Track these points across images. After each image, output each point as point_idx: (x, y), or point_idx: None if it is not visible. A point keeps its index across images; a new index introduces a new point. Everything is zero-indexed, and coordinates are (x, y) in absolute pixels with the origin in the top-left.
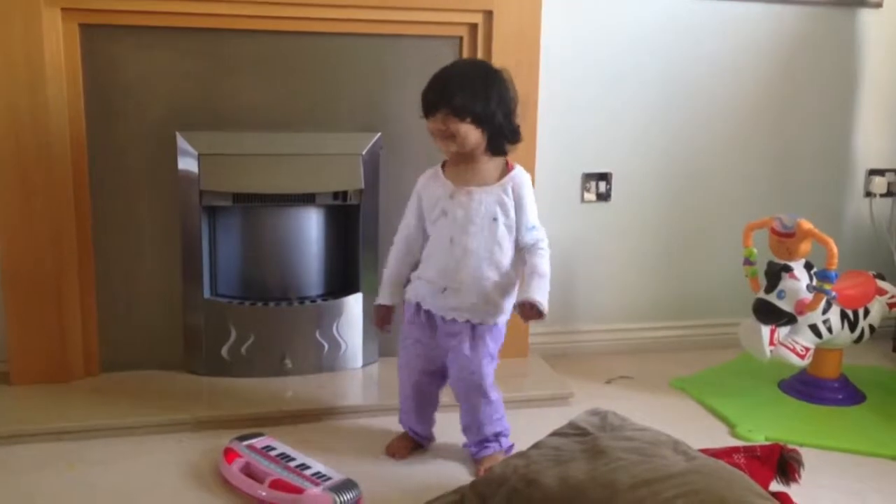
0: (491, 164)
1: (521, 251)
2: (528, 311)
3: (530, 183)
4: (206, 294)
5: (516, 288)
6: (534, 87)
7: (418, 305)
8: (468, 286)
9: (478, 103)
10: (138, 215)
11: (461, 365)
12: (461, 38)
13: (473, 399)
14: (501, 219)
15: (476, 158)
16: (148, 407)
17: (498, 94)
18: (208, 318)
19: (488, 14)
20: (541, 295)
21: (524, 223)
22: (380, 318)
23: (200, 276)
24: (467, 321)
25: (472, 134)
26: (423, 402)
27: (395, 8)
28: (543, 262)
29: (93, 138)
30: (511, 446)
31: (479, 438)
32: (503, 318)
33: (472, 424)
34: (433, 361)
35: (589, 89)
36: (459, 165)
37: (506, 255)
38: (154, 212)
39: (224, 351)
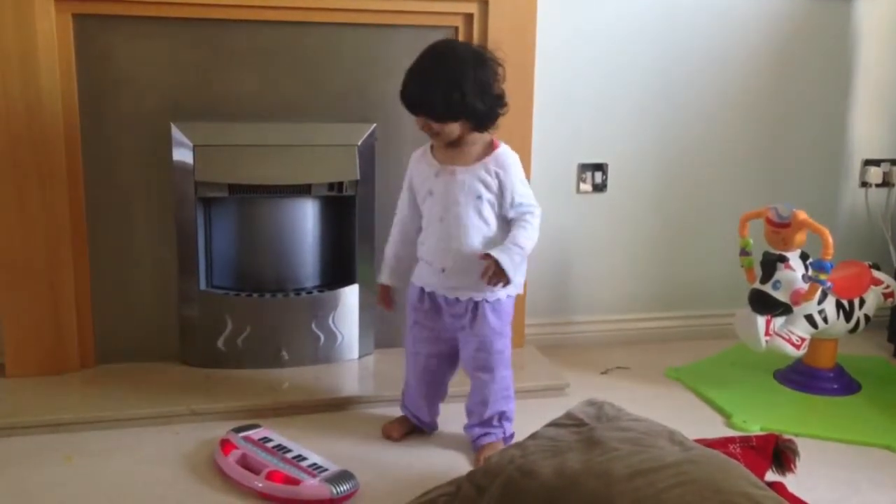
0: (477, 144)
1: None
2: (488, 266)
3: (515, 161)
4: (202, 286)
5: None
6: (529, 78)
7: (422, 289)
8: (461, 264)
9: (453, 103)
10: (133, 206)
11: (468, 343)
12: (457, 28)
13: (482, 376)
14: (486, 196)
15: (463, 140)
16: (144, 399)
17: (471, 81)
18: (204, 309)
19: (484, 4)
20: (505, 256)
21: (508, 201)
22: (380, 297)
23: (196, 268)
24: (469, 299)
25: (454, 128)
26: (431, 387)
27: None
28: (522, 232)
29: (86, 129)
30: (513, 435)
31: (483, 419)
32: (504, 293)
33: (478, 402)
34: (440, 343)
35: (584, 80)
36: (447, 146)
37: (493, 232)
38: (149, 203)
39: (220, 342)
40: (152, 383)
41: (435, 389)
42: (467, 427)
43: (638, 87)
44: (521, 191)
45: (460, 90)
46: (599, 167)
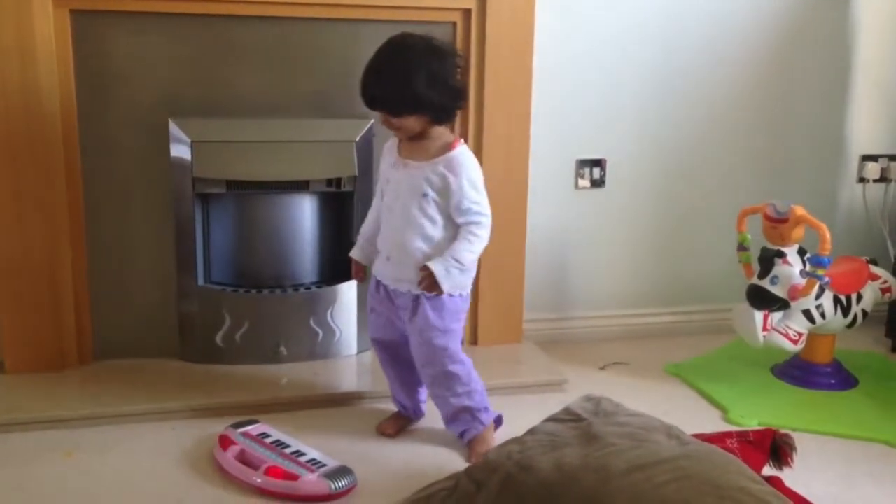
0: (437, 141)
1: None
2: (423, 276)
3: (468, 164)
4: (200, 281)
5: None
6: (528, 72)
7: (377, 278)
8: (401, 256)
9: (405, 96)
10: (131, 202)
11: (412, 336)
12: (455, 24)
13: (427, 371)
14: (430, 194)
15: (425, 134)
16: (142, 395)
17: (430, 75)
18: (202, 305)
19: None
20: (439, 266)
21: (455, 204)
22: (353, 271)
23: (194, 264)
24: (408, 291)
25: (412, 122)
26: (400, 372)
27: None
28: (464, 245)
29: (84, 125)
30: (499, 418)
31: (447, 414)
32: (452, 292)
33: (435, 396)
34: (395, 331)
35: (583, 75)
36: (410, 140)
37: (438, 230)
38: (147, 199)
39: (218, 338)
40: (151, 379)
41: (405, 375)
42: (444, 423)
43: (636, 82)
44: (471, 196)
45: (412, 84)
46: (598, 163)
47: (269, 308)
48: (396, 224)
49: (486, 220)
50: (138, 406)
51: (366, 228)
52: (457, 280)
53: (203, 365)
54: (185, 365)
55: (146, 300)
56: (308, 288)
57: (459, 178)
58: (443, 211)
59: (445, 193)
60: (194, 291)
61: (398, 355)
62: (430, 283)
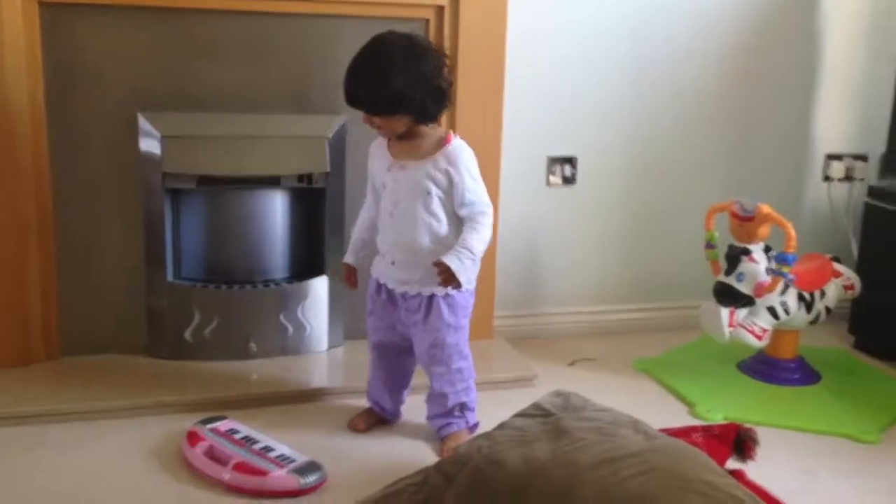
0: (430, 138)
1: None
2: (440, 272)
3: (466, 156)
4: (170, 277)
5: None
6: (500, 71)
7: (378, 281)
8: (410, 257)
9: (385, 96)
10: (100, 197)
11: (421, 337)
12: (428, 21)
13: (437, 370)
14: (435, 192)
15: (415, 132)
16: (110, 391)
17: (410, 74)
18: (172, 301)
19: None
20: (454, 259)
21: (458, 197)
22: (344, 276)
23: (163, 259)
24: (419, 293)
25: (396, 122)
26: (391, 375)
27: None
28: (474, 234)
29: (52, 118)
30: (476, 424)
31: (443, 410)
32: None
33: (437, 394)
34: (395, 334)
35: (554, 73)
36: (399, 140)
37: (443, 227)
38: (116, 194)
39: (187, 334)
40: (119, 375)
41: (396, 378)
42: (429, 418)
43: (608, 80)
44: (472, 187)
45: (391, 83)
46: (569, 160)
47: (239, 304)
48: (401, 227)
49: (489, 210)
50: (106, 402)
51: (360, 232)
52: (470, 272)
53: (172, 361)
54: (153, 361)
55: (114, 295)
56: (278, 284)
57: (460, 171)
58: (447, 207)
59: (450, 189)
60: (163, 287)
61: (394, 359)
62: (447, 276)
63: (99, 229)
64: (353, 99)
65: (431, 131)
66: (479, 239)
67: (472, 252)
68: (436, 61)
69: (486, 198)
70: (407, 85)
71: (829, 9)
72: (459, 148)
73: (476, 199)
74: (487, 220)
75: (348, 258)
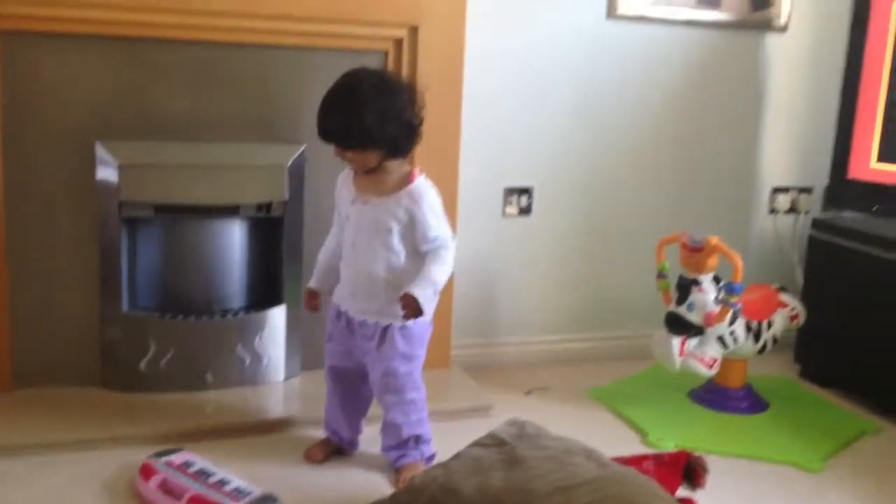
0: (394, 174)
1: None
2: (405, 303)
3: (429, 195)
4: (125, 307)
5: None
6: (457, 102)
7: (339, 308)
8: (368, 289)
9: (359, 130)
10: (56, 226)
11: (374, 366)
12: (386, 53)
13: (389, 399)
14: (396, 229)
15: (381, 167)
16: (63, 423)
17: (382, 110)
18: (127, 331)
19: (413, 30)
20: (420, 291)
21: (420, 235)
22: (305, 300)
23: (119, 289)
24: (376, 322)
25: (367, 157)
26: (348, 401)
27: (321, 21)
28: (435, 266)
29: (8, 146)
30: (433, 455)
31: (397, 442)
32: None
33: (389, 424)
34: (352, 360)
35: (510, 105)
36: (368, 173)
37: (402, 261)
38: (72, 222)
39: (143, 365)
40: (71, 408)
41: (352, 405)
42: (384, 449)
43: (561, 113)
44: (434, 224)
45: (365, 119)
46: (525, 191)
47: (195, 334)
48: (361, 259)
49: (451, 245)
50: (58, 435)
51: (327, 257)
52: (431, 304)
53: (126, 393)
54: (107, 393)
55: (69, 326)
56: (236, 313)
57: (422, 210)
58: (407, 243)
59: (411, 226)
60: (119, 317)
61: (350, 385)
62: (412, 309)
63: (53, 259)
64: (327, 133)
65: (397, 167)
66: (441, 271)
67: (435, 283)
68: (407, 97)
69: (449, 233)
70: (379, 120)
71: (771, 47)
72: (422, 187)
73: (439, 234)
74: (449, 256)
75: (312, 283)
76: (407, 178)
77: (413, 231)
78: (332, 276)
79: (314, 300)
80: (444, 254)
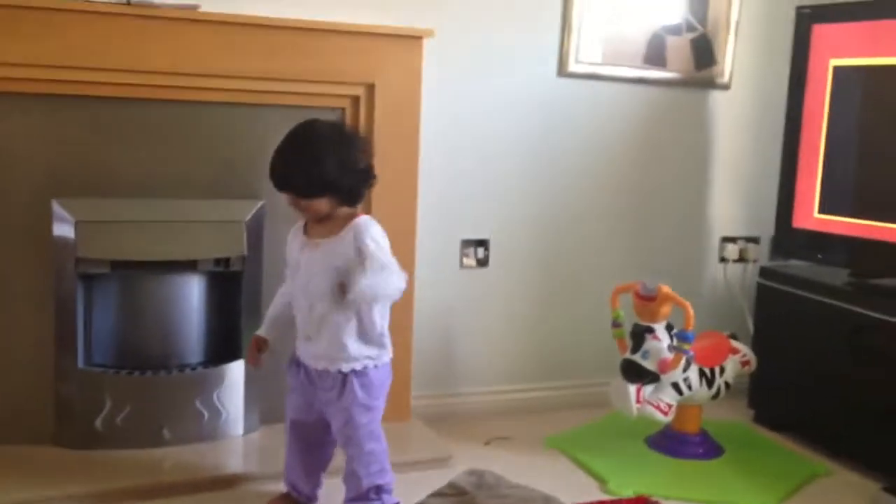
0: (343, 218)
1: None
2: (340, 284)
3: (374, 229)
4: (81, 363)
5: (377, 333)
6: (414, 157)
7: (298, 359)
8: (322, 334)
9: (314, 180)
10: (10, 282)
11: (335, 416)
12: (344, 109)
13: (349, 448)
14: (344, 268)
15: (331, 215)
16: (14, 482)
17: (335, 160)
18: (82, 388)
19: (370, 87)
20: (356, 279)
21: (364, 260)
22: (250, 351)
23: (75, 345)
24: (338, 371)
25: (321, 204)
26: (307, 455)
27: (278, 80)
28: (374, 272)
29: None
30: (398, 502)
31: (357, 493)
32: (370, 364)
33: (350, 475)
34: (313, 413)
35: (465, 159)
36: (317, 222)
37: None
38: (26, 278)
39: (98, 422)
40: (24, 466)
41: (313, 460)
42: (346, 501)
43: (516, 166)
44: (378, 255)
45: (320, 168)
46: (482, 243)
47: (152, 390)
48: (313, 303)
49: (395, 268)
50: (9, 495)
51: (274, 308)
52: (365, 289)
53: (81, 451)
54: (61, 451)
55: (22, 382)
56: (194, 368)
57: (364, 240)
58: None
59: (358, 260)
60: (74, 374)
61: (311, 440)
62: (342, 289)
63: (8, 314)
64: (282, 183)
65: (346, 212)
66: (380, 277)
67: (373, 277)
68: (360, 146)
69: (394, 262)
70: (334, 169)
71: (716, 103)
72: (366, 222)
73: (377, 257)
74: (392, 275)
75: (262, 331)
76: (351, 217)
77: (361, 266)
78: (281, 325)
79: (260, 348)
80: (384, 273)
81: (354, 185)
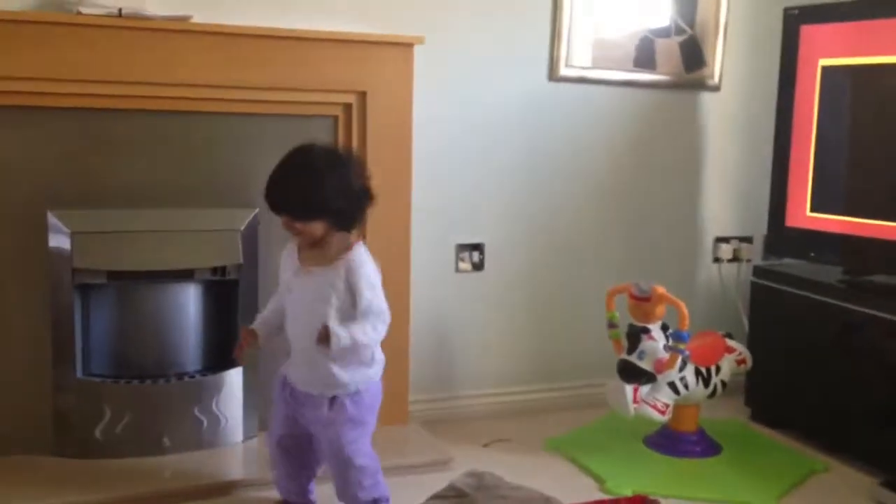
0: (337, 245)
1: None
2: (321, 332)
3: (366, 265)
4: (79, 373)
5: (368, 357)
6: (407, 163)
7: (285, 379)
8: (310, 360)
9: (310, 203)
10: (7, 294)
11: (323, 436)
12: (336, 117)
13: (340, 466)
14: (334, 300)
15: (326, 238)
16: (14, 493)
17: (332, 183)
18: (81, 398)
19: (362, 95)
20: (341, 331)
21: (356, 304)
22: (241, 337)
23: (72, 355)
24: (321, 394)
25: (316, 227)
26: (293, 467)
27: (270, 89)
28: (361, 327)
29: None
30: None
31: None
32: (361, 386)
33: (343, 491)
34: (296, 426)
35: (459, 164)
36: (311, 246)
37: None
38: (24, 290)
39: (97, 432)
40: (24, 477)
41: (298, 469)
42: None
43: (509, 171)
44: (367, 295)
45: (317, 192)
46: (477, 247)
47: (151, 398)
48: (304, 331)
49: (384, 317)
50: None
51: (266, 313)
52: (346, 352)
53: (81, 460)
54: (61, 461)
55: (21, 394)
56: (192, 376)
57: (358, 280)
58: (346, 312)
59: (350, 295)
60: (72, 384)
61: (297, 452)
62: (324, 339)
63: (5, 326)
64: (278, 206)
65: (340, 238)
66: (363, 332)
67: (353, 337)
68: (355, 170)
69: (384, 305)
70: (330, 193)
71: (706, 105)
72: (359, 257)
73: (372, 306)
74: (379, 325)
75: (255, 324)
76: (346, 248)
77: (352, 301)
78: (272, 327)
79: (249, 339)
80: (373, 319)
81: (350, 208)
